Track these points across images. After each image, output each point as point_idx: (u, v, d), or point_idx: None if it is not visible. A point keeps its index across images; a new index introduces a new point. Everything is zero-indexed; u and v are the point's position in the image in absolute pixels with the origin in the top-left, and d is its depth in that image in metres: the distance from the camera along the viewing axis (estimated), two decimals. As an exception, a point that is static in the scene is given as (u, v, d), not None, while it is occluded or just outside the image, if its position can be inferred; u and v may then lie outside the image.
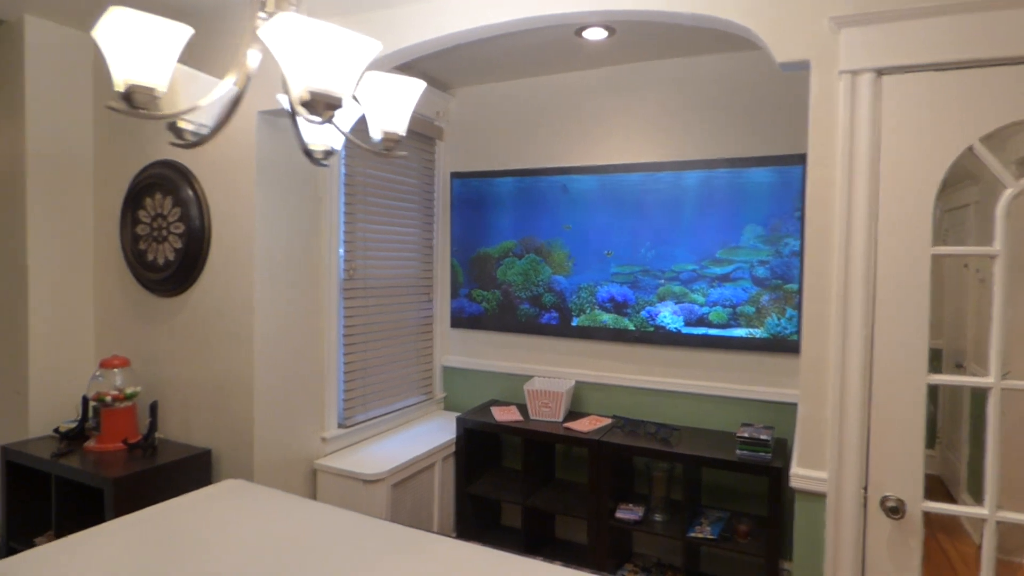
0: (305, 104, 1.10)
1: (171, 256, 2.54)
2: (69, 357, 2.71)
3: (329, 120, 1.11)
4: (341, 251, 2.83)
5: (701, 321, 2.91)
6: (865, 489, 1.70)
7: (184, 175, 2.51)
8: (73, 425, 2.51)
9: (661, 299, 2.97)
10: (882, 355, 1.65)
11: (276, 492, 1.84)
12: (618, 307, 3.06)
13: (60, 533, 2.32)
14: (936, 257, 1.58)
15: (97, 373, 2.41)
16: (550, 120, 3.32)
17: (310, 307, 2.65)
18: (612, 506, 2.82)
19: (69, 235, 2.71)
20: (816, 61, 1.68)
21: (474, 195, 3.45)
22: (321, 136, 1.49)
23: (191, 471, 2.37)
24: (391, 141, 1.38)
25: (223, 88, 1.24)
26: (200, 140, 1.38)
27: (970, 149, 1.53)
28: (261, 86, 2.27)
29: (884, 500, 1.68)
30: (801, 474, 1.77)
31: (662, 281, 2.97)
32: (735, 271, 2.82)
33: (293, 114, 1.37)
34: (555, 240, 3.21)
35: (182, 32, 1.11)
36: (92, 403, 2.44)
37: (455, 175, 3.52)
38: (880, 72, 1.59)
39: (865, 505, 1.70)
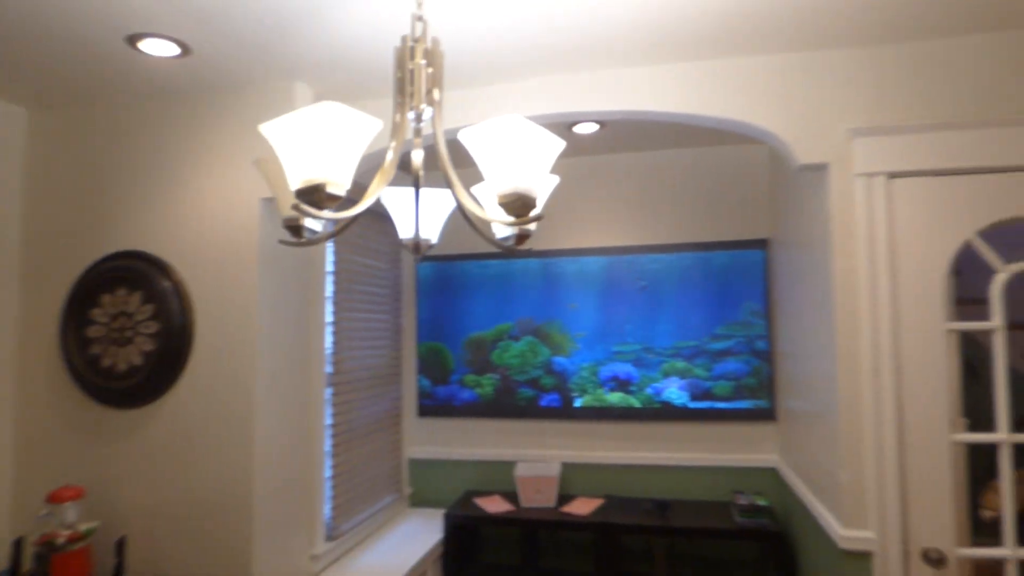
0: (504, 204, 1.07)
1: (138, 360, 2.19)
2: (-19, 491, 2.17)
3: (526, 220, 1.08)
4: (329, 341, 2.62)
5: (706, 395, 3.06)
6: (906, 544, 1.86)
7: (158, 266, 2.22)
8: (-3, 580, 1.99)
9: (666, 375, 3.09)
10: (911, 420, 1.86)
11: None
12: (622, 385, 3.12)
13: None
14: (951, 332, 1.85)
15: (44, 512, 1.96)
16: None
17: (301, 405, 2.39)
18: (618, 591, 2.76)
19: (-12, 339, 2.23)
20: (834, 164, 1.94)
21: (446, 278, 3.38)
22: (423, 230, 1.43)
23: (173, 619, 1.96)
24: (524, 237, 1.36)
25: (375, 192, 1.15)
26: (315, 240, 1.27)
27: (968, 241, 1.84)
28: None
29: (925, 551, 1.85)
30: (848, 535, 1.90)
31: (664, 358, 3.09)
32: (735, 345, 3.03)
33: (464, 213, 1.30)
34: (554, 321, 3.23)
35: (372, 126, 1.03)
36: (35, 548, 1.95)
37: (424, 258, 3.45)
38: (892, 175, 1.89)
39: (907, 558, 1.86)
